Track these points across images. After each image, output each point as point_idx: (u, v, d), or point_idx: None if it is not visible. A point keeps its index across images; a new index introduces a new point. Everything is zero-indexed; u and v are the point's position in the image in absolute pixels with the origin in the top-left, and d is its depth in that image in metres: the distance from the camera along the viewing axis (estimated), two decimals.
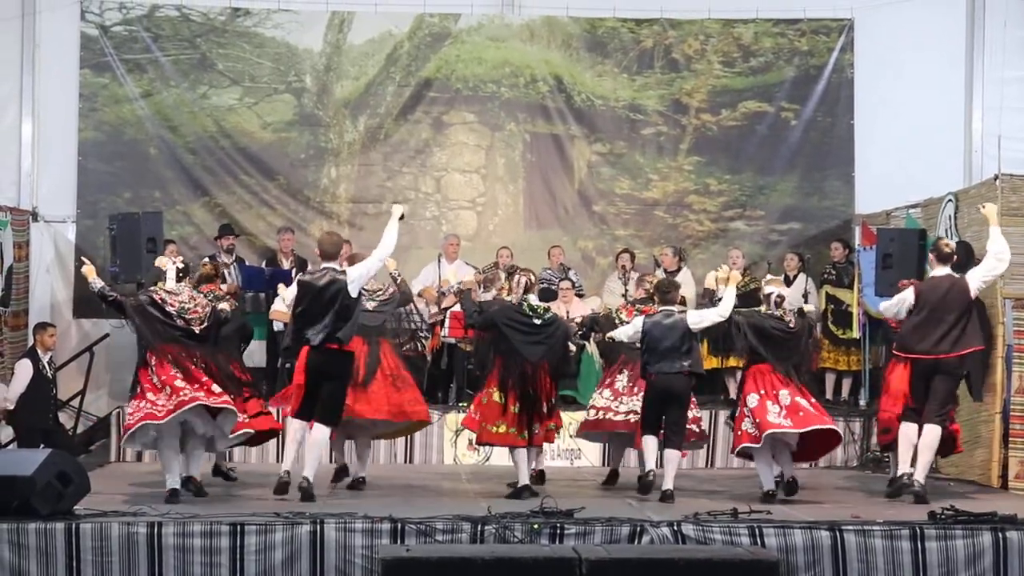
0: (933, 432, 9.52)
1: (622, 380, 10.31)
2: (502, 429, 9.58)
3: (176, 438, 9.08)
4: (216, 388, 9.00)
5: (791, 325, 9.78)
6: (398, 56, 14.08)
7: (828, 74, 14.03)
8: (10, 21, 13.32)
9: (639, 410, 9.90)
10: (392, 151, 14.10)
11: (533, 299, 9.82)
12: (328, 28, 13.98)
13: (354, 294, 9.16)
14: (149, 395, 8.92)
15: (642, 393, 9.87)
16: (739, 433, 9.69)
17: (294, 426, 9.29)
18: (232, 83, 13.91)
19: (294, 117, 14.02)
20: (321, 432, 9.23)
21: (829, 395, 12.87)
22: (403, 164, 14.11)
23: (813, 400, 9.73)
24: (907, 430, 9.66)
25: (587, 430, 10.54)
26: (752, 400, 9.59)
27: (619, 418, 10.16)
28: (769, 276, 10.98)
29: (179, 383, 8.91)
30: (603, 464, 11.55)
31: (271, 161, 13.94)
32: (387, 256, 9.37)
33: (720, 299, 9.78)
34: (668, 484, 9.43)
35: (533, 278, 9.98)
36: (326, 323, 9.06)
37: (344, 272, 9.21)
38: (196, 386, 8.93)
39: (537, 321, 9.66)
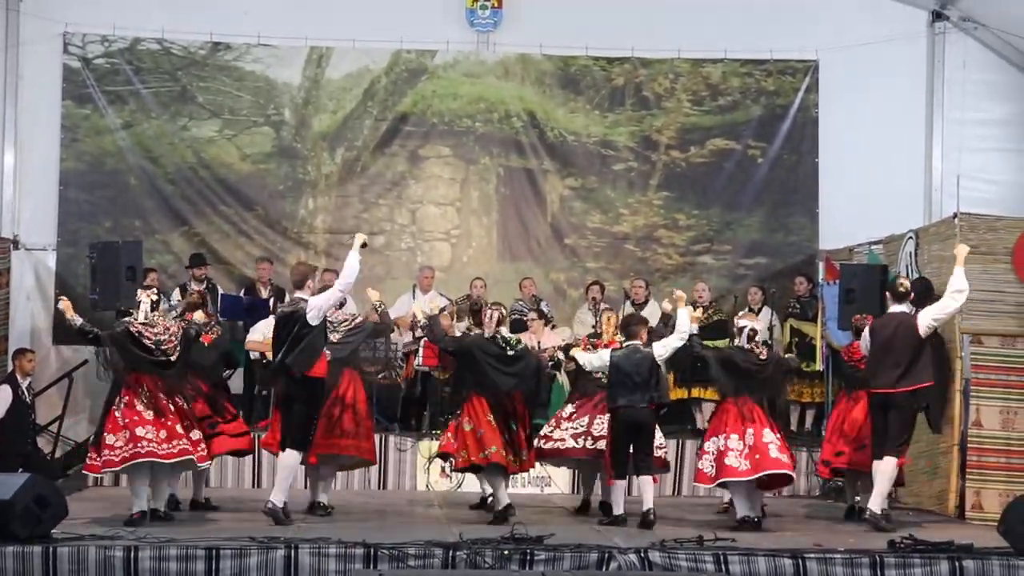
0: (889, 463, 9.76)
1: (570, 409, 10.50)
2: (495, 451, 9.79)
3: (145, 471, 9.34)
4: (179, 429, 9.24)
5: (762, 357, 10.04)
6: (375, 91, 14.30)
7: (793, 113, 14.31)
8: None
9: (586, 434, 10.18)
10: (369, 183, 14.31)
11: (505, 331, 10.06)
12: (307, 63, 14.20)
13: (313, 322, 9.31)
14: (108, 439, 9.17)
15: (584, 418, 10.20)
16: (698, 470, 10.06)
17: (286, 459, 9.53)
18: (212, 115, 14.11)
19: (272, 149, 14.21)
20: (290, 456, 9.44)
21: (793, 426, 13.07)
22: (379, 196, 14.31)
23: (779, 435, 9.93)
24: (883, 466, 9.84)
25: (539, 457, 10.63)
26: (713, 443, 9.86)
27: (564, 445, 10.33)
28: (742, 312, 11.23)
29: (140, 431, 9.12)
30: (572, 491, 11.71)
31: (250, 192, 14.13)
32: (349, 285, 9.53)
33: (674, 323, 10.09)
34: (649, 504, 9.71)
35: (504, 311, 10.19)
36: (284, 351, 9.30)
37: (306, 301, 9.40)
38: (158, 433, 9.15)
39: (510, 352, 9.91)
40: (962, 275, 9.74)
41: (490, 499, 10.18)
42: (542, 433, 10.44)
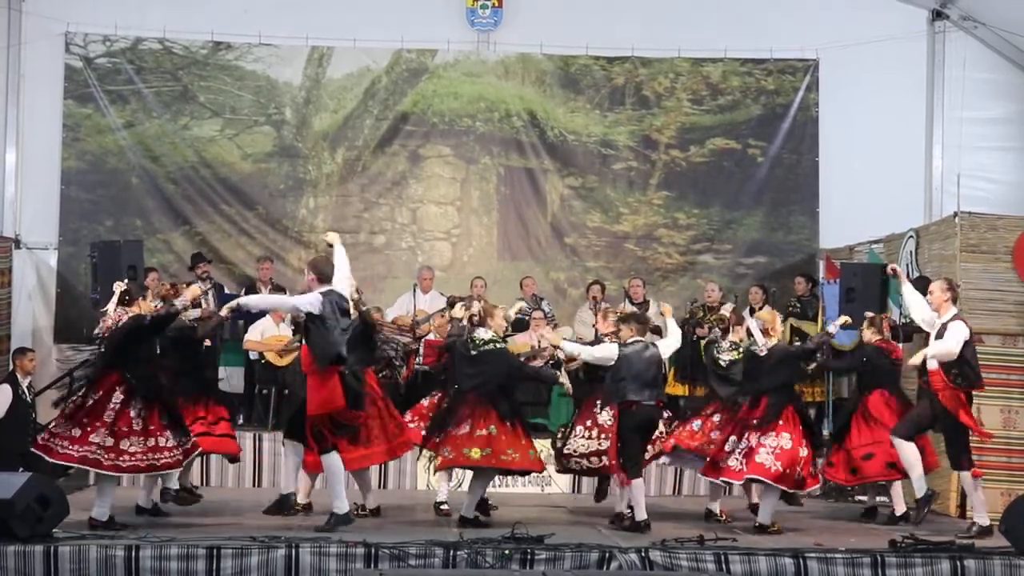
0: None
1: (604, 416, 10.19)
2: (476, 455, 9.68)
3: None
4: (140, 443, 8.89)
5: (759, 354, 9.97)
6: (376, 90, 14.33)
7: (794, 112, 14.34)
8: None
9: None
10: (369, 183, 14.34)
11: (481, 331, 9.91)
12: (308, 62, 14.23)
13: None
14: (93, 438, 8.84)
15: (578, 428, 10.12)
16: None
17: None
18: (213, 115, 14.14)
19: (273, 148, 14.24)
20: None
21: None
22: (380, 195, 14.34)
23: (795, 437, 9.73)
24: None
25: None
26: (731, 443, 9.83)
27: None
28: (759, 313, 11.26)
29: (124, 442, 8.84)
30: (572, 490, 11.74)
31: (251, 191, 14.16)
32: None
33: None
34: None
35: (483, 311, 10.05)
36: (352, 346, 9.07)
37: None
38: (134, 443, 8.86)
39: (472, 352, 9.79)
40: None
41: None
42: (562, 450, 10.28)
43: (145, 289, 9.88)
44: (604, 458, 9.93)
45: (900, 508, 10.18)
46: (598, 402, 10.12)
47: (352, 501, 10.01)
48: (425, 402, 10.55)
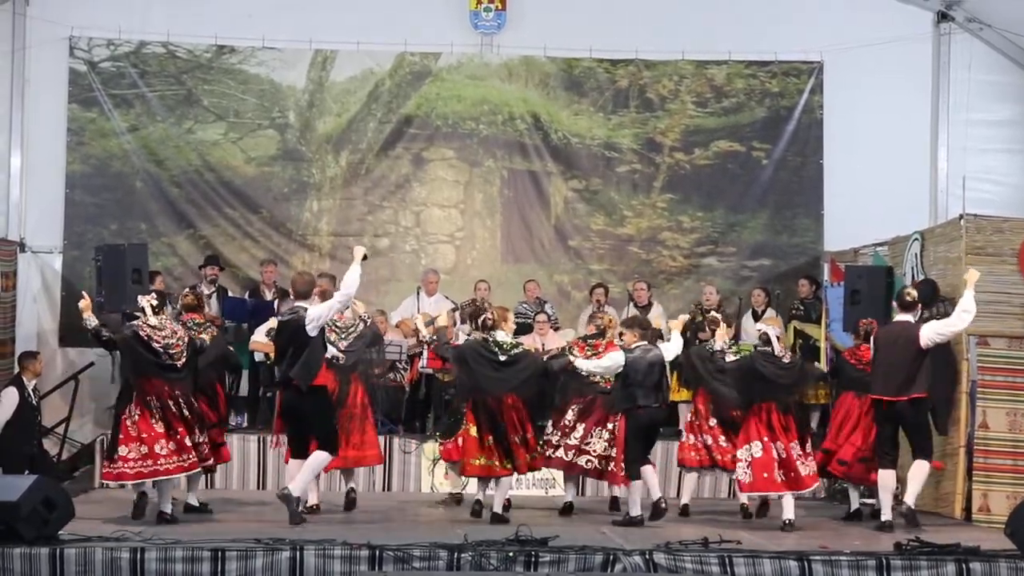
0: (921, 466, 9.92)
1: (570, 417, 10.40)
2: (482, 461, 9.85)
3: None
4: (187, 441, 9.42)
5: (784, 361, 10.07)
6: (379, 93, 14.34)
7: (798, 115, 14.31)
8: (0, 56, 13.54)
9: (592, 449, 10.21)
10: (373, 186, 14.34)
11: (500, 335, 10.00)
12: (311, 66, 14.23)
13: (312, 333, 9.31)
14: (121, 450, 9.34)
15: (580, 430, 10.21)
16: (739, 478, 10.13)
17: (291, 468, 9.55)
18: (217, 118, 14.14)
19: (277, 152, 14.25)
20: (320, 457, 9.45)
21: None
22: (383, 198, 14.34)
23: (805, 444, 10.01)
24: (885, 477, 9.95)
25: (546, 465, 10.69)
26: (745, 451, 9.92)
27: (569, 459, 10.33)
28: (766, 317, 11.34)
29: (157, 447, 9.32)
30: (577, 494, 11.73)
31: (255, 195, 14.17)
32: (349, 297, 9.56)
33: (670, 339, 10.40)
34: (658, 493, 9.89)
35: (495, 315, 10.13)
36: (288, 361, 9.31)
37: (306, 310, 9.39)
38: (168, 444, 9.34)
39: (502, 357, 9.87)
40: (971, 297, 9.71)
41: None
42: (547, 439, 10.40)
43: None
44: (611, 464, 10.13)
45: (886, 515, 10.09)
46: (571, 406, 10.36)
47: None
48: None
